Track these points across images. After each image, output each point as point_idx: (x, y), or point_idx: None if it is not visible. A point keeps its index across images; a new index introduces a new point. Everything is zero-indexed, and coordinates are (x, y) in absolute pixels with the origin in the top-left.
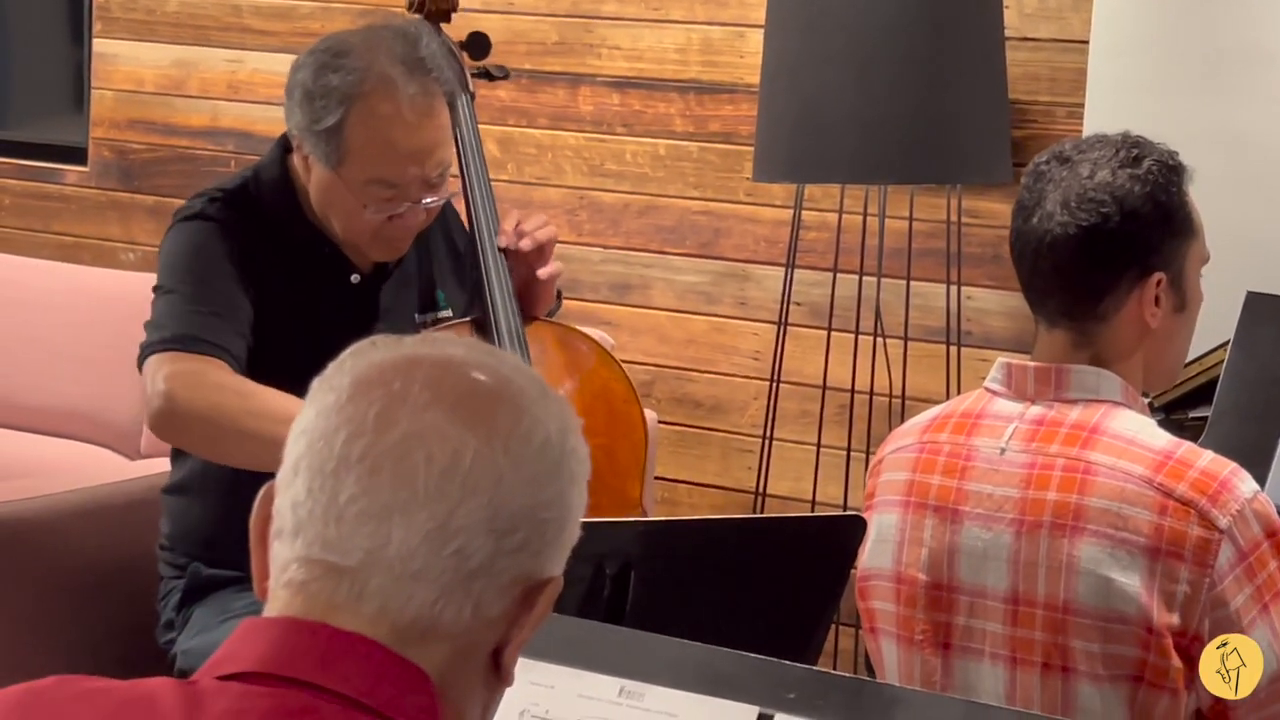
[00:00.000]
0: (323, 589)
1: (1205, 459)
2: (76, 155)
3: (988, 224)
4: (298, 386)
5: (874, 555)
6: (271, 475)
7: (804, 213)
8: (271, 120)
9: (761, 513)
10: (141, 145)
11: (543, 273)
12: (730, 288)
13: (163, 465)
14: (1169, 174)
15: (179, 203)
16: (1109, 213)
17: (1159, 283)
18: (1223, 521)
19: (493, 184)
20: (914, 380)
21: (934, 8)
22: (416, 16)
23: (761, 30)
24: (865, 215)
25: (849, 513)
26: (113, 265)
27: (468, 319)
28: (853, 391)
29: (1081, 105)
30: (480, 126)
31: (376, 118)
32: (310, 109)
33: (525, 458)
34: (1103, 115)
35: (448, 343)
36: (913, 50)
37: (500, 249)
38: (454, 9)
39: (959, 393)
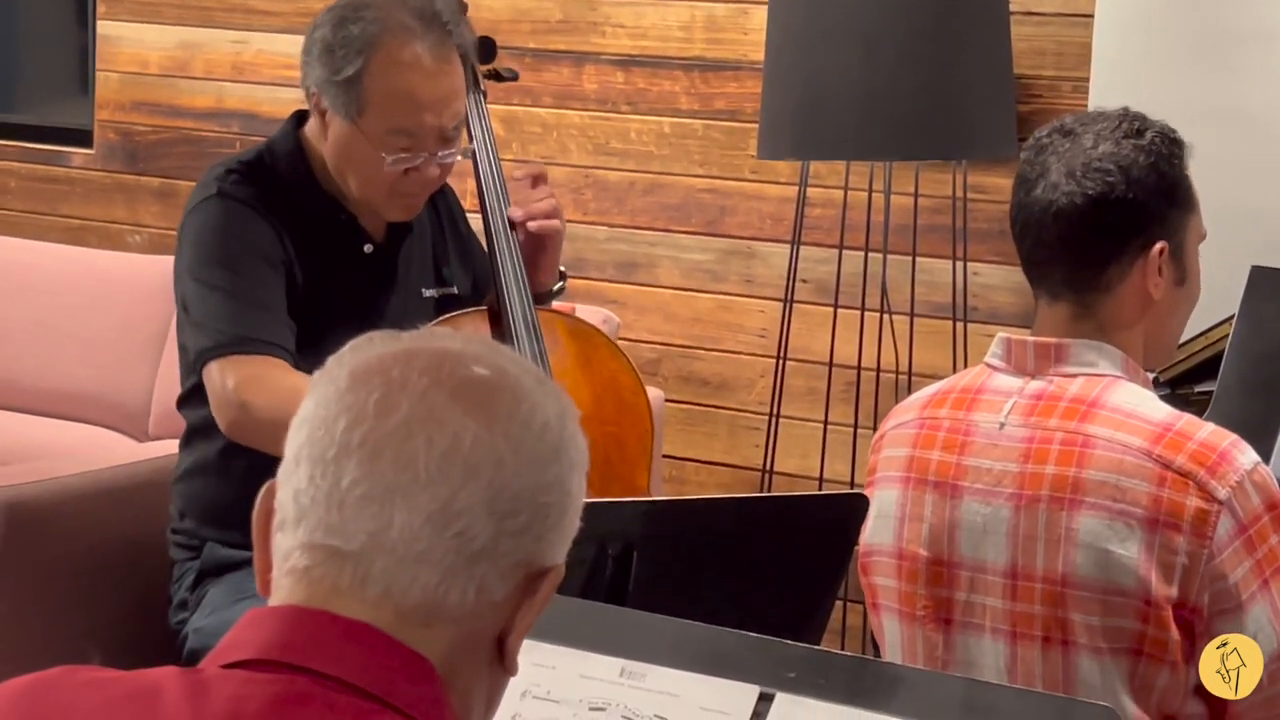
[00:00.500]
0: (326, 574)
1: (1205, 431)
2: (82, 138)
3: (993, 199)
4: (307, 352)
5: (875, 531)
6: None
7: (809, 190)
8: (276, 101)
9: (769, 490)
10: (147, 127)
11: (534, 225)
12: (736, 265)
13: (171, 448)
14: (1171, 146)
15: (185, 184)
16: (1114, 181)
17: (1161, 252)
18: (1221, 493)
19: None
20: (920, 356)
21: None
22: None
23: (765, 7)
24: (871, 192)
25: (851, 490)
26: (119, 248)
27: (483, 307)
28: (859, 368)
29: (1087, 80)
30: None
31: (396, 65)
32: (330, 61)
33: (525, 441)
34: (1108, 90)
35: (445, 337)
36: (918, 26)
37: (510, 225)
38: None
39: (965, 368)
